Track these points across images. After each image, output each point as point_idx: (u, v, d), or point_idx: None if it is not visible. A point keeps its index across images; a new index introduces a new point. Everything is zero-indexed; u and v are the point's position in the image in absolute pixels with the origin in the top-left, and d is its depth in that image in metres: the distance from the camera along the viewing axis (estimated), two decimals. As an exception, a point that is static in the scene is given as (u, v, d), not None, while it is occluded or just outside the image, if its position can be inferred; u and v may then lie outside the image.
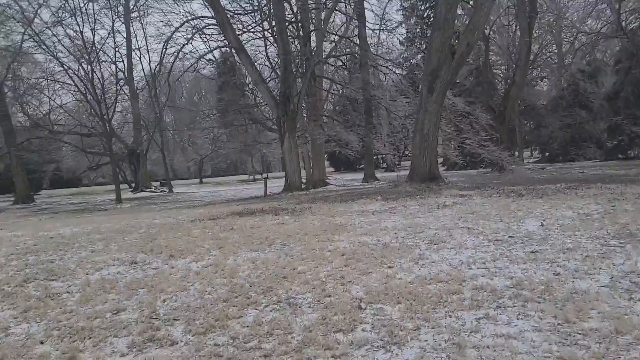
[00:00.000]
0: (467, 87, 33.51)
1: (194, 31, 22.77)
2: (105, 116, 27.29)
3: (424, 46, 33.68)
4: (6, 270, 6.53)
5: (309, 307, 4.33)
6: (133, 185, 40.36)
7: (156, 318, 4.25)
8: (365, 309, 4.17)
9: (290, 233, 8.27)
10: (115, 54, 33.73)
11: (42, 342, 3.80)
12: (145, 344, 3.67)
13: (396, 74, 28.78)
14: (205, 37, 24.83)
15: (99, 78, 27.59)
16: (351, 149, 28.72)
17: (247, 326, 3.93)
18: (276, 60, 25.18)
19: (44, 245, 8.53)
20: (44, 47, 27.86)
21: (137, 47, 47.63)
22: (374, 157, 34.64)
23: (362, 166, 39.68)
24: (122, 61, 36.57)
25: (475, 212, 9.45)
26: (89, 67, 26.35)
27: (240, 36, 22.70)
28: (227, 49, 26.81)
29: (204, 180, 54.03)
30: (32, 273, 6.23)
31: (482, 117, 24.15)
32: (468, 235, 7.09)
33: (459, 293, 4.42)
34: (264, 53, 26.82)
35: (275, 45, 24.08)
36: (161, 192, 34.87)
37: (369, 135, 26.22)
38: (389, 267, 5.56)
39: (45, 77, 33.68)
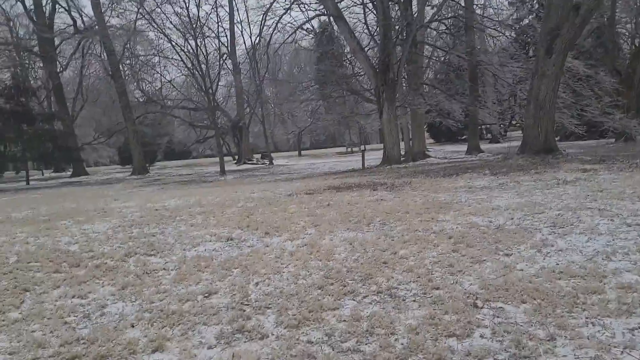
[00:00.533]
0: (586, 48, 30.04)
1: (292, 0, 22.47)
2: (209, 90, 28.29)
3: (536, 6, 30.70)
4: (112, 242, 6.71)
5: (414, 301, 3.79)
6: (236, 157, 41.90)
7: (247, 304, 3.96)
8: (482, 307, 3.54)
9: (389, 211, 7.72)
10: (218, 29, 34.77)
11: (132, 326, 3.65)
12: (234, 336, 3.37)
13: (506, 36, 26.46)
14: (304, 7, 24.46)
15: (203, 53, 28.55)
16: (453, 119, 27.19)
17: (344, 320, 3.49)
18: (375, 27, 24.19)
19: (148, 217, 8.78)
20: (154, 24, 29.37)
21: (239, 20, 48.74)
22: (478, 128, 32.63)
23: (464, 137, 37.75)
24: (225, 35, 37.67)
25: (605, 189, 8.21)
26: (195, 42, 27.31)
27: (338, 4, 22.02)
28: (326, 18, 26.29)
29: (303, 152, 54.81)
30: (134, 247, 6.31)
31: (606, 82, 21.47)
32: (600, 218, 6.06)
33: (600, 292, 3.63)
34: (362, 21, 25.91)
35: (375, 12, 23.08)
36: (262, 164, 35.78)
37: (474, 104, 24.50)
38: (506, 255, 4.83)
39: (156, 54, 35.66)
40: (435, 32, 28.80)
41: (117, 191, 18.05)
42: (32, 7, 35.81)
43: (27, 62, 40.34)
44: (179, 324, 3.61)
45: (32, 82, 38.77)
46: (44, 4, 36.30)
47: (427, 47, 27.33)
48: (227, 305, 3.97)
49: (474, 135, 28.35)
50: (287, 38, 25.64)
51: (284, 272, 4.80)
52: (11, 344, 3.43)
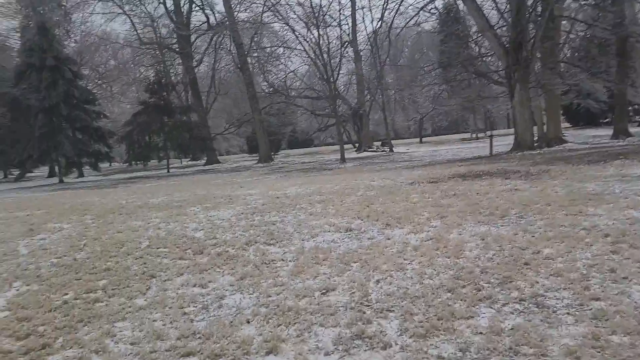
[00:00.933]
0: None
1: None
2: (331, 79, 28.47)
3: None
4: (234, 230, 6.78)
5: (568, 313, 3.15)
6: (356, 145, 41.91)
7: (367, 305, 3.62)
8: (663, 330, 2.82)
9: (526, 202, 6.87)
10: (339, 17, 34.79)
11: (248, 322, 3.51)
12: (353, 341, 3.05)
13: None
14: (428, -14, 23.38)
15: (325, 42, 28.77)
16: (595, 100, 24.27)
17: (481, 333, 2.99)
18: (505, 4, 22.34)
19: (269, 205, 8.84)
20: (279, 16, 30.26)
21: (360, 6, 48.38)
22: (627, 109, 28.84)
23: (607, 120, 33.76)
24: (346, 23, 37.65)
25: None
26: (317, 31, 27.60)
27: (464, -20, 20.65)
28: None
29: (424, 139, 53.28)
30: (254, 235, 6.30)
31: None
32: None
33: None
34: (490, -3, 24.08)
35: (505, -14, 21.30)
36: (382, 151, 35.30)
37: (622, 82, 21.58)
38: (686, 261, 3.92)
39: (280, 45, 36.83)
40: (575, 3, 25.85)
41: (243, 178, 18.86)
42: (172, 7, 39.03)
43: (167, 59, 44.11)
44: (295, 323, 3.39)
45: (172, 77, 42.37)
46: (182, 4, 39.38)
47: (564, 21, 24.64)
48: (346, 304, 3.68)
49: (622, 117, 25.03)
50: (409, 20, 24.76)
51: (407, 270, 4.38)
52: (133, 333, 3.47)
